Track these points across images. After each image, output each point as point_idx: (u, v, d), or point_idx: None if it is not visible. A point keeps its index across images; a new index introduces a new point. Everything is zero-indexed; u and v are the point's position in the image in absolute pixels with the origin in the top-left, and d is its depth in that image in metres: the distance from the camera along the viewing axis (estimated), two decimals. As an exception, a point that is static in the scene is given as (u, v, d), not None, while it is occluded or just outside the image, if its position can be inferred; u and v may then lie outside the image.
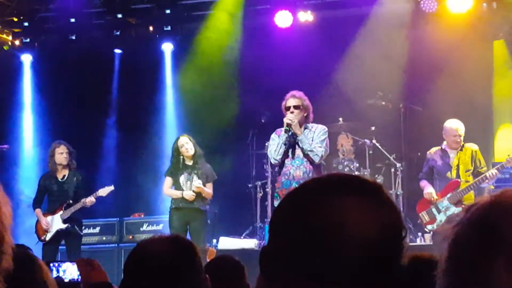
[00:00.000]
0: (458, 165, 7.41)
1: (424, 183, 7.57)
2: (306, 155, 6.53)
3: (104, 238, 9.46)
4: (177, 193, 7.72)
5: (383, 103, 8.55)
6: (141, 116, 10.24)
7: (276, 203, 7.26)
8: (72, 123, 10.14)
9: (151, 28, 9.85)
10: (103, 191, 8.19)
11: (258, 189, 8.99)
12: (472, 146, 7.47)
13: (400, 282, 1.03)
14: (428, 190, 7.44)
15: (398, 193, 8.35)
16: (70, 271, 3.48)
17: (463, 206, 6.67)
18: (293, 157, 6.59)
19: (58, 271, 3.57)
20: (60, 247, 8.32)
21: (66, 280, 3.51)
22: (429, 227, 7.51)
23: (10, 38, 10.15)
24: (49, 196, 8.22)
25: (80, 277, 2.90)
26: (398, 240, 1.03)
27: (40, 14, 9.89)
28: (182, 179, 7.75)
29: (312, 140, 6.55)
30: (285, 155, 6.60)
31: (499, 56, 9.22)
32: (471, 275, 0.96)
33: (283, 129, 6.57)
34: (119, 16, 9.65)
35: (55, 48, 9.93)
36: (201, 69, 9.83)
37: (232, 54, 9.64)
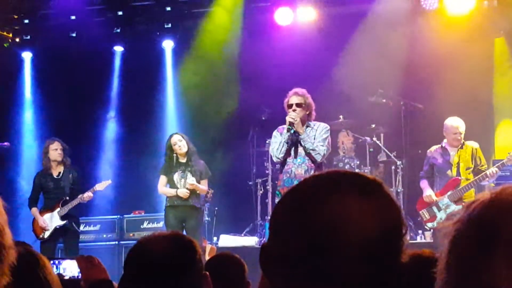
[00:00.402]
0: (458, 163, 7.41)
1: (423, 185, 7.56)
2: (308, 154, 6.51)
3: (104, 236, 9.47)
4: (171, 191, 7.74)
5: (384, 100, 8.55)
6: (141, 113, 10.24)
7: (277, 201, 7.26)
8: (72, 120, 10.14)
9: (151, 26, 9.84)
10: (100, 186, 8.19)
11: (258, 186, 8.99)
12: (473, 144, 7.47)
13: (401, 279, 1.03)
14: (427, 193, 7.43)
15: (399, 190, 8.34)
16: (70, 268, 3.48)
17: (463, 204, 6.67)
18: (295, 156, 6.57)
19: (58, 268, 3.57)
20: (58, 245, 8.33)
21: (66, 277, 3.51)
22: (429, 225, 7.51)
23: (10, 35, 10.14)
24: (45, 193, 8.21)
25: (80, 274, 2.90)
26: (398, 237, 1.03)
27: (40, 12, 9.88)
28: (176, 177, 7.76)
29: (314, 139, 6.53)
30: (287, 154, 6.58)
31: (500, 54, 9.21)
32: (471, 272, 0.96)
33: (285, 127, 6.55)
34: (120, 13, 9.65)
35: (55, 45, 9.92)
36: (202, 67, 9.83)
37: (233, 51, 9.64)
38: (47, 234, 8.04)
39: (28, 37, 10.12)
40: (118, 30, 9.82)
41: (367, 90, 8.65)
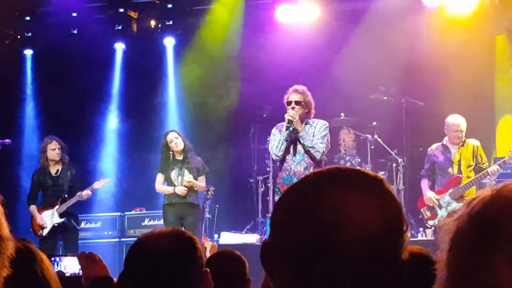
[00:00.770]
0: (459, 161, 7.41)
1: (424, 185, 7.55)
2: (307, 151, 6.50)
3: (105, 233, 9.48)
4: (169, 189, 7.75)
5: (385, 98, 8.54)
6: (143, 110, 10.24)
7: (276, 198, 7.26)
8: (73, 117, 10.14)
9: (153, 23, 9.83)
10: (99, 184, 8.19)
11: (259, 184, 8.99)
12: (474, 142, 7.46)
13: (402, 276, 1.03)
14: (428, 195, 7.42)
15: (400, 188, 8.34)
16: (71, 265, 3.48)
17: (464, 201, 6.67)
18: (294, 154, 6.55)
19: (59, 265, 3.57)
20: (59, 242, 8.33)
21: (67, 274, 3.51)
22: (431, 222, 7.51)
23: (12, 32, 10.13)
24: (43, 191, 8.21)
25: (81, 271, 2.91)
26: (399, 234, 1.03)
27: (41, 9, 9.87)
28: (173, 174, 7.77)
29: (313, 136, 6.51)
30: (286, 151, 6.57)
31: (501, 52, 9.20)
32: (471, 269, 0.96)
33: (284, 124, 6.54)
34: (121, 10, 9.64)
35: (56, 42, 9.91)
36: (203, 64, 9.82)
37: (234, 49, 9.63)
38: (45, 231, 8.05)
39: (30, 34, 10.11)
40: (120, 27, 9.81)
41: (369, 88, 8.64)
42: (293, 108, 6.48)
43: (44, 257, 1.90)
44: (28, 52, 10.50)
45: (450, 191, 7.34)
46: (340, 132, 9.01)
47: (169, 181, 7.82)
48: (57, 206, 8.05)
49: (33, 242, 2.66)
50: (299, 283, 1.02)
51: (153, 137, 9.54)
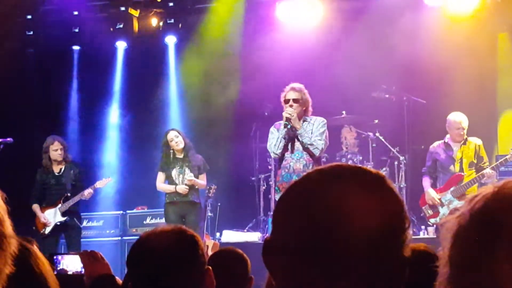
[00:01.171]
0: (461, 159, 7.40)
1: (425, 183, 7.55)
2: (306, 149, 6.50)
3: (107, 231, 9.49)
4: (170, 188, 7.76)
5: (387, 96, 8.53)
6: (144, 109, 10.24)
7: (276, 196, 7.26)
8: (75, 115, 10.14)
9: (154, 21, 9.83)
10: (101, 183, 8.22)
11: (261, 182, 8.99)
12: (476, 141, 7.46)
13: (403, 273, 1.03)
14: (431, 195, 7.41)
15: (402, 186, 8.33)
16: (73, 263, 3.49)
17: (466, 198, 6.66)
18: (292, 151, 6.55)
19: (61, 263, 3.57)
20: (61, 240, 8.35)
21: (70, 273, 3.52)
22: (432, 220, 7.51)
23: (13, 31, 10.11)
24: (46, 190, 8.22)
25: (83, 269, 2.91)
26: (401, 231, 1.03)
27: (43, 7, 9.87)
28: (174, 173, 7.78)
29: (312, 133, 6.51)
30: (284, 149, 6.57)
31: (503, 50, 9.19)
32: (473, 266, 0.96)
33: (282, 122, 6.54)
34: (122, 9, 9.63)
35: (58, 41, 9.91)
36: (204, 62, 9.82)
37: (235, 47, 9.63)
38: (48, 229, 8.06)
39: (31, 32, 10.11)
40: (121, 26, 9.81)
41: (370, 86, 8.64)
42: (291, 106, 6.48)
43: (38, 252, 1.90)
44: (30, 51, 10.49)
45: (452, 189, 7.34)
46: (342, 130, 9.00)
47: (170, 180, 7.82)
48: (59, 205, 8.07)
49: (34, 240, 2.67)
50: (301, 281, 1.02)
51: (155, 136, 9.54)
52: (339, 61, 8.82)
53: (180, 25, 9.86)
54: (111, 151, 10.46)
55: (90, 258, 2.84)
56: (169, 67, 10.48)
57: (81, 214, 8.49)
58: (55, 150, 8.14)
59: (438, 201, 7.38)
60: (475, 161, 7.40)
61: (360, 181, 1.04)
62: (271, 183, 8.63)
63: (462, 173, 7.35)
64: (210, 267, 1.97)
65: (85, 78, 10.22)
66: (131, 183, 9.94)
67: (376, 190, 1.03)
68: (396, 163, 8.50)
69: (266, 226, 8.53)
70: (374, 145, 8.67)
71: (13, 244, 1.16)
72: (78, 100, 10.29)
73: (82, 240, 8.38)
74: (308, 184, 1.06)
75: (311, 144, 6.46)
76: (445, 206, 7.35)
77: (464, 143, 7.42)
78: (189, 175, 7.70)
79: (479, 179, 7.18)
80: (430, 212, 7.46)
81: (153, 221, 9.25)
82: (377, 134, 8.60)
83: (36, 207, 8.16)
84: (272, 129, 6.74)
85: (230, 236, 8.29)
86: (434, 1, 8.74)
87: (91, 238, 9.31)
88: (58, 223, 8.06)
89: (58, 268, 3.48)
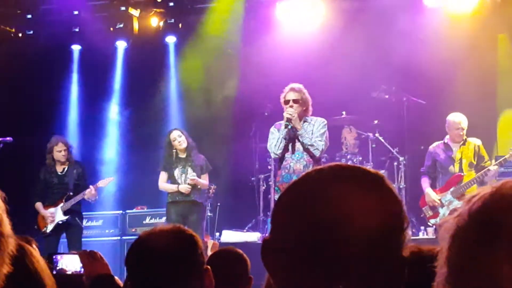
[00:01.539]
0: (461, 159, 7.40)
1: (425, 184, 7.53)
2: (306, 149, 6.50)
3: (107, 231, 9.49)
4: (172, 187, 7.75)
5: (387, 96, 8.53)
6: (144, 109, 10.24)
7: (276, 197, 7.25)
8: (76, 115, 10.13)
9: (154, 21, 9.83)
10: (103, 182, 8.22)
11: (261, 182, 8.99)
12: (475, 141, 7.46)
13: (402, 273, 1.03)
14: (430, 196, 7.40)
15: (401, 186, 8.33)
16: (72, 263, 3.48)
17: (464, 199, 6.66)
18: (293, 151, 6.56)
19: (60, 263, 3.57)
20: (62, 240, 8.34)
21: (69, 272, 3.51)
22: (432, 221, 7.51)
23: (13, 30, 10.12)
24: (49, 189, 8.22)
25: (82, 269, 2.91)
26: (400, 231, 1.03)
27: (43, 7, 9.87)
28: (176, 172, 7.77)
29: (312, 134, 6.51)
30: (285, 149, 6.57)
31: (503, 50, 9.19)
32: (471, 266, 0.96)
33: (282, 123, 6.54)
34: (122, 8, 9.63)
35: (58, 40, 9.90)
36: (204, 62, 9.82)
37: (235, 47, 9.63)
38: (49, 228, 8.06)
39: (31, 32, 10.10)
40: (121, 26, 9.80)
41: (370, 86, 8.63)
42: (291, 106, 6.48)
43: (33, 250, 1.90)
44: (30, 50, 10.47)
45: (451, 189, 7.34)
46: (342, 130, 9.00)
47: (172, 179, 7.81)
48: (61, 204, 8.07)
49: (33, 239, 2.67)
50: (300, 281, 1.02)
51: (155, 135, 9.55)
52: (339, 61, 8.81)
53: (180, 25, 9.85)
54: (111, 150, 10.46)
55: (89, 257, 2.84)
56: (169, 67, 10.48)
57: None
58: (59, 151, 8.15)
59: (438, 202, 7.38)
60: (475, 162, 7.39)
61: (360, 181, 1.04)
62: (270, 183, 8.62)
63: (462, 174, 7.35)
64: (209, 267, 1.96)
65: (85, 78, 10.21)
66: (130, 183, 9.94)
67: (375, 190, 1.03)
68: (395, 163, 8.49)
69: (266, 226, 8.53)
70: (374, 145, 8.67)
71: (11, 243, 1.16)
72: (78, 100, 10.27)
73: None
74: (308, 184, 1.06)
75: (312, 145, 6.46)
76: (445, 206, 7.35)
77: (464, 144, 7.41)
78: (191, 175, 7.69)
79: (483, 177, 7.17)
80: (430, 212, 7.46)
81: (153, 220, 9.25)
82: (377, 135, 8.60)
83: (39, 205, 8.18)
84: (272, 129, 6.74)
85: (230, 236, 8.29)
86: (434, 1, 8.73)
87: (91, 237, 9.30)
88: (60, 222, 8.06)
89: (57, 268, 3.47)
